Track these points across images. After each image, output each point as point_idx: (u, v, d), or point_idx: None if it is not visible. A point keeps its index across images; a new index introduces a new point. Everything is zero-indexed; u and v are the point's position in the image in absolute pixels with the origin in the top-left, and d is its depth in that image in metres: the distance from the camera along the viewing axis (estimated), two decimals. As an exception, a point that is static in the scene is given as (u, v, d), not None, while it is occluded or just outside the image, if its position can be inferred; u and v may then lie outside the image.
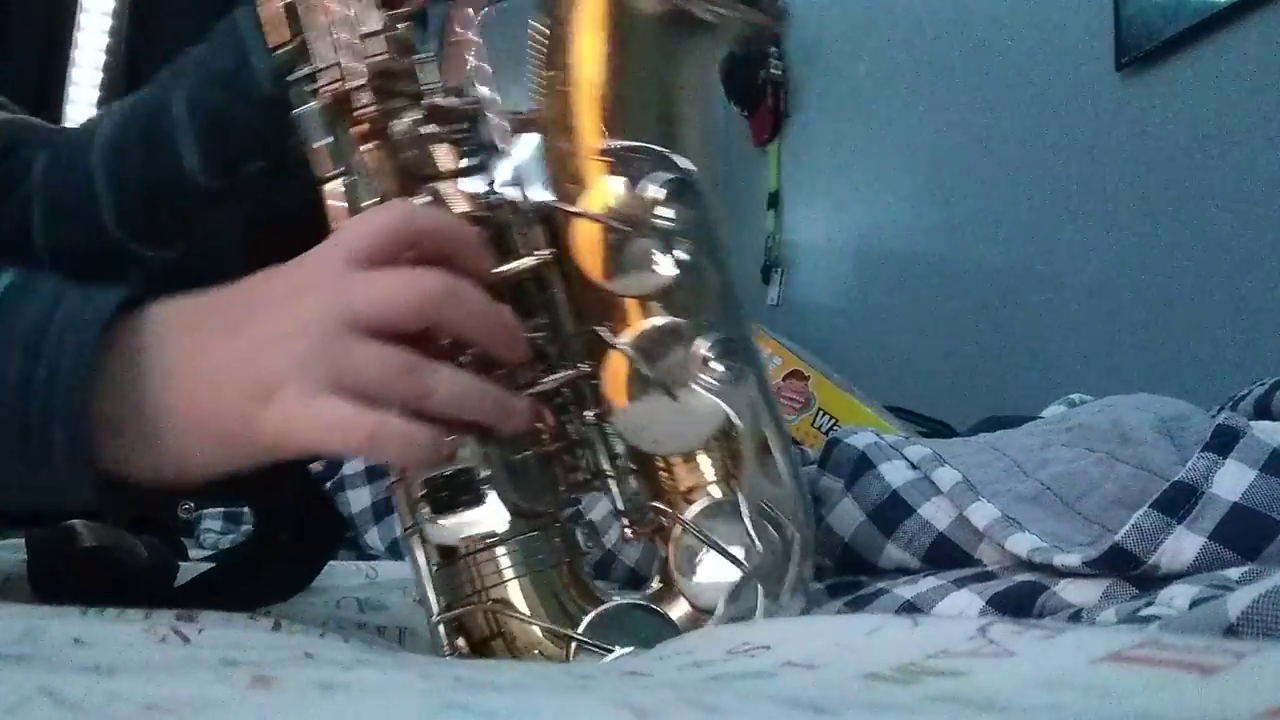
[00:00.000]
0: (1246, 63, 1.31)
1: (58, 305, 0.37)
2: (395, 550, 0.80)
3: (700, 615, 0.41)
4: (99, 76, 1.51)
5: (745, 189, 2.61)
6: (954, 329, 1.87)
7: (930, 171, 1.99)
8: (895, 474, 0.55)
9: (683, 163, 0.43)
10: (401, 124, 0.44)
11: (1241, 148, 1.31)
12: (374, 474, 0.85)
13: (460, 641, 0.42)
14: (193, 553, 0.78)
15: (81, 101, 1.52)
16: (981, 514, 0.50)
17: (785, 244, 2.48)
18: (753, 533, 0.41)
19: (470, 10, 0.49)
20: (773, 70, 2.45)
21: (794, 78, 2.47)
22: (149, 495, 0.40)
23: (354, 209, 0.43)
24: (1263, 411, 0.61)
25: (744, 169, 2.63)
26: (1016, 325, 1.72)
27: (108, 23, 1.50)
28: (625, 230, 0.42)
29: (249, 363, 0.37)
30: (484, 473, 0.40)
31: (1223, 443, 0.44)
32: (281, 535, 0.49)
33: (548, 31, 0.46)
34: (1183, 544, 0.43)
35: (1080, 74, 1.59)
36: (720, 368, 0.42)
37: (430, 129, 0.44)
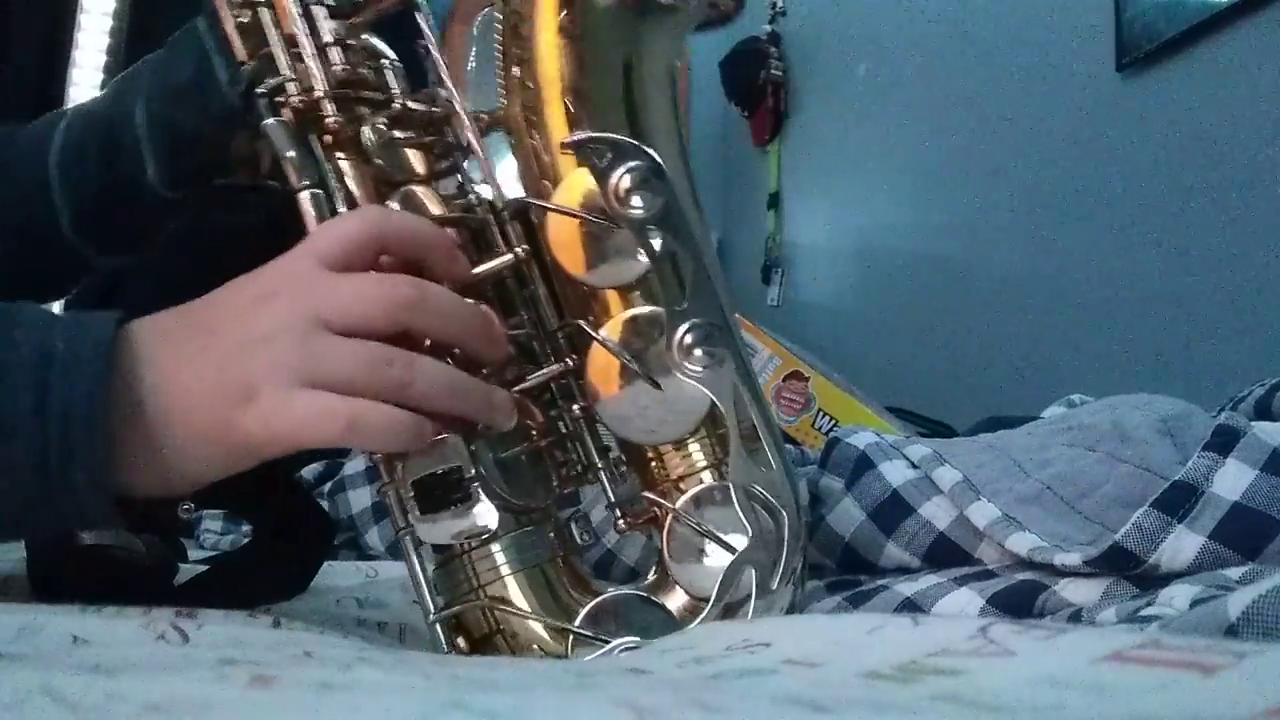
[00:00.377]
0: (1246, 63, 1.31)
1: (52, 336, 0.37)
2: (395, 550, 0.80)
3: (697, 604, 0.41)
4: (99, 77, 1.51)
5: (745, 189, 2.61)
6: (954, 329, 1.87)
7: (930, 171, 1.99)
8: (895, 473, 0.55)
9: (649, 151, 0.43)
10: (370, 131, 0.44)
11: (1241, 148, 1.31)
12: (374, 474, 0.85)
13: (461, 641, 0.42)
14: (192, 553, 0.78)
15: (81, 101, 1.52)
16: (982, 513, 0.50)
17: (785, 244, 2.48)
18: (742, 516, 0.41)
19: (473, 23, 0.49)
20: (773, 71, 2.45)
21: (794, 78, 2.47)
22: (155, 504, 0.41)
23: (326, 217, 0.43)
24: (1263, 412, 0.61)
25: (744, 169, 2.63)
26: (1017, 325, 1.72)
27: (108, 23, 1.51)
28: (598, 222, 0.43)
29: (226, 368, 0.38)
30: (472, 471, 0.40)
31: (1223, 442, 0.44)
32: (275, 541, 0.49)
33: (511, 29, 0.46)
34: (1183, 543, 0.42)
35: (1080, 74, 1.59)
36: (702, 354, 0.42)
37: (400, 134, 0.45)
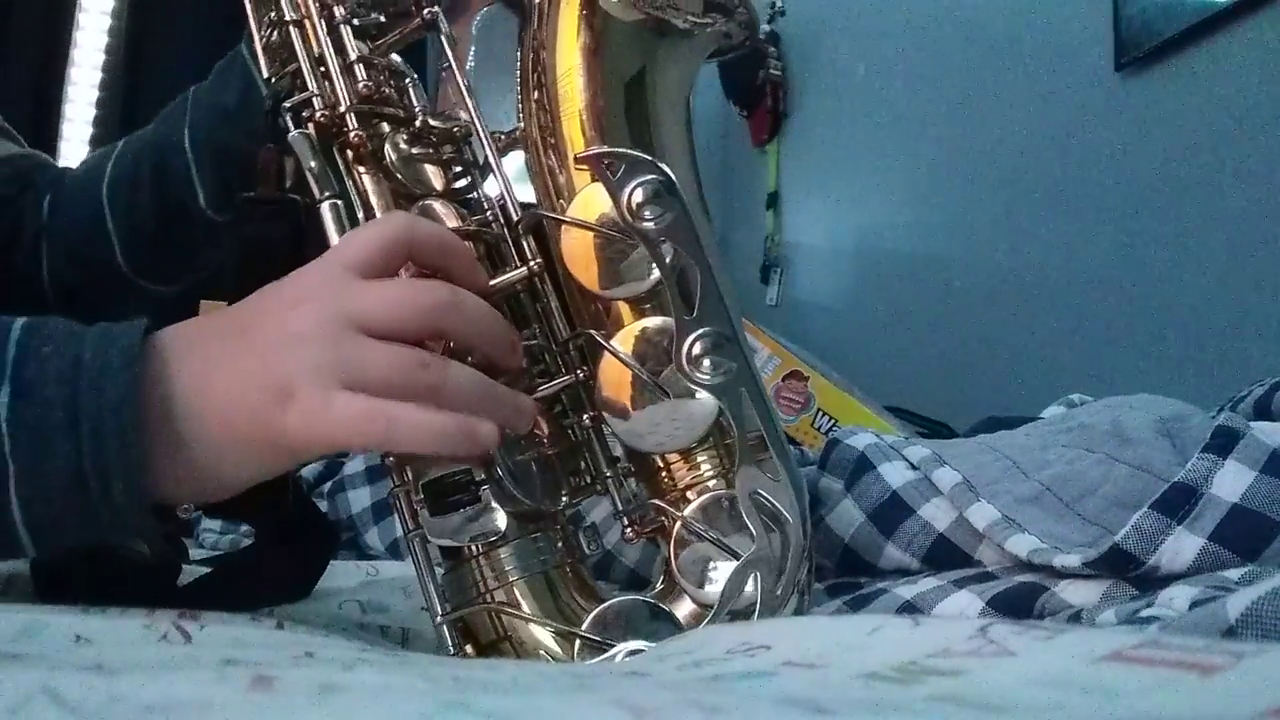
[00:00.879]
0: (1246, 63, 1.31)
1: (80, 349, 0.37)
2: (395, 550, 0.80)
3: (704, 611, 0.42)
4: (98, 76, 1.51)
5: (745, 189, 2.61)
6: (954, 329, 1.87)
7: (930, 171, 1.99)
8: (895, 475, 0.55)
9: (662, 165, 0.43)
10: (391, 146, 0.45)
11: (1241, 148, 1.31)
12: (374, 474, 0.85)
13: (469, 648, 0.42)
14: (192, 552, 0.78)
15: (80, 101, 1.53)
16: (981, 515, 0.50)
17: (784, 244, 2.48)
18: (749, 524, 0.42)
19: (471, 23, 0.50)
20: (772, 70, 2.45)
21: (793, 78, 2.47)
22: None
23: (347, 228, 0.44)
24: (1263, 412, 0.61)
25: (743, 169, 2.63)
26: (1016, 325, 1.72)
27: (107, 22, 1.51)
28: (611, 235, 0.43)
29: (260, 369, 0.38)
30: (483, 474, 0.41)
31: (1222, 443, 0.44)
32: (279, 544, 0.50)
33: (532, 55, 0.48)
34: (1182, 545, 0.43)
35: (1080, 74, 1.59)
36: (710, 364, 0.43)
37: (419, 150, 0.46)
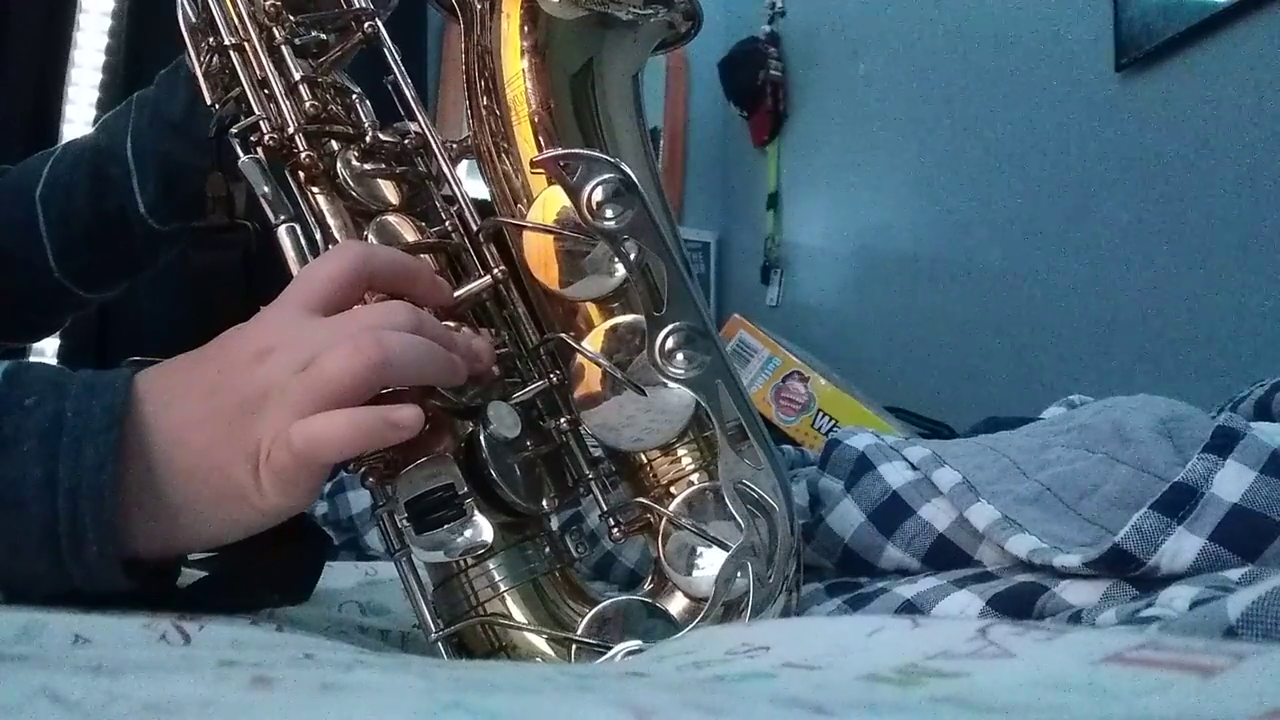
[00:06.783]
0: (1246, 63, 1.31)
1: (62, 403, 0.36)
2: (395, 550, 0.80)
3: (697, 605, 0.42)
4: (98, 77, 1.51)
5: (744, 189, 2.61)
6: (954, 329, 1.87)
7: (930, 172, 1.99)
8: (895, 475, 0.55)
9: (619, 163, 0.43)
10: (343, 165, 0.45)
11: (1241, 148, 1.31)
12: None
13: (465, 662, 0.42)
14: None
15: (80, 101, 1.53)
16: (981, 515, 0.50)
17: (785, 244, 2.48)
18: (735, 514, 0.42)
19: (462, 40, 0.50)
20: (772, 71, 2.45)
21: (793, 78, 2.47)
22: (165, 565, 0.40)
23: (305, 251, 0.43)
24: (1263, 412, 0.61)
25: (743, 169, 2.63)
26: (1016, 325, 1.72)
27: (107, 23, 1.51)
28: (573, 236, 0.43)
29: (231, 429, 0.37)
30: (465, 488, 0.41)
31: (1223, 444, 0.44)
32: (275, 547, 0.50)
33: (477, 61, 0.48)
34: (1183, 545, 0.42)
35: (1080, 74, 1.59)
36: (684, 358, 0.43)
37: (372, 166, 0.46)
